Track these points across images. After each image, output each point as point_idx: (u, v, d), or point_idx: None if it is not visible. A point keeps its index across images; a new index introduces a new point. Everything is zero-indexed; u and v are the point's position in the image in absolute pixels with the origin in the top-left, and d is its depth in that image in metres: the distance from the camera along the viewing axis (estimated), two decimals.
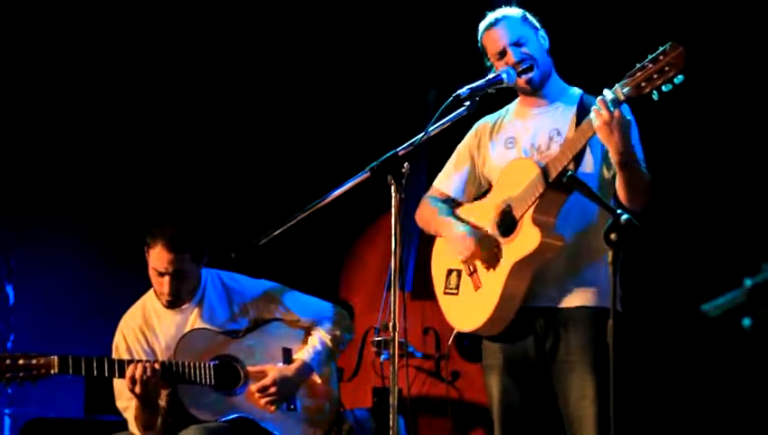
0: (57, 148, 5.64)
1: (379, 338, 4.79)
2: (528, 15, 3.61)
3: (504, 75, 3.53)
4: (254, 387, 4.01)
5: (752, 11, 4.80)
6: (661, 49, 3.16)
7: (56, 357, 3.82)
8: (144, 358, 3.98)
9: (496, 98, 3.65)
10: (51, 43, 5.60)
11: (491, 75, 3.54)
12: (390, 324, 3.25)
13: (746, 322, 2.03)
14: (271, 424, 3.98)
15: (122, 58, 5.69)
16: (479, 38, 3.64)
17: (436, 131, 3.47)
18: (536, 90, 3.60)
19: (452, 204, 3.77)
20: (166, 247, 3.93)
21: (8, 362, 3.82)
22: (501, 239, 3.52)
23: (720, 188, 4.91)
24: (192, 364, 3.92)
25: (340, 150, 5.43)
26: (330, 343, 4.13)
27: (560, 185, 3.36)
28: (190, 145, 5.75)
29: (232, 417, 3.94)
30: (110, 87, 5.69)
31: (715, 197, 4.91)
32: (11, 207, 5.58)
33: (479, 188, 3.74)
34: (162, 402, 3.95)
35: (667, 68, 3.14)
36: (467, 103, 3.45)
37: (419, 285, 4.83)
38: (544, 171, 3.41)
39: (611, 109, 3.24)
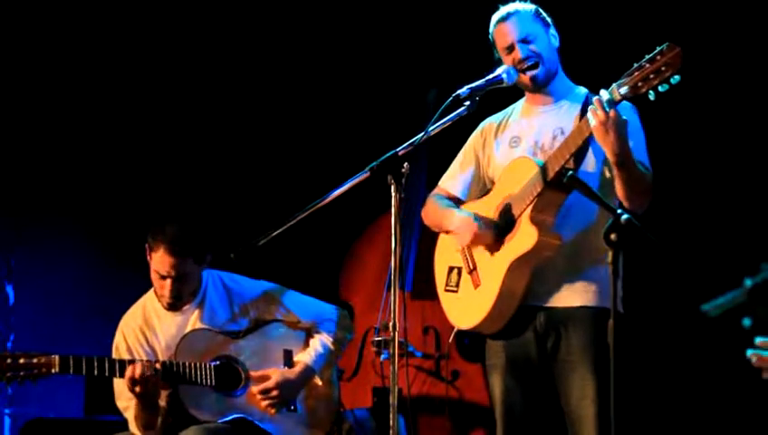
0: (57, 148, 5.64)
1: (379, 338, 4.80)
2: (541, 11, 3.61)
3: (504, 75, 3.53)
4: (255, 389, 4.01)
5: (750, 11, 4.80)
6: (658, 49, 3.17)
7: (57, 356, 3.82)
8: (144, 358, 3.97)
9: (504, 96, 3.66)
10: (51, 43, 5.60)
11: (491, 75, 3.54)
12: (390, 324, 3.25)
13: (746, 322, 2.03)
14: (271, 425, 3.98)
15: (123, 58, 5.68)
16: (490, 30, 3.64)
17: (436, 131, 3.47)
18: (540, 87, 3.60)
19: (456, 202, 3.78)
20: (168, 251, 3.92)
21: (9, 361, 3.81)
22: (500, 237, 3.53)
23: (720, 188, 4.91)
24: (193, 365, 3.92)
25: (341, 150, 5.43)
26: (332, 346, 4.13)
27: (558, 184, 3.37)
28: (190, 145, 5.75)
29: (232, 418, 3.94)
30: (109, 87, 5.69)
31: (714, 197, 4.91)
32: (11, 207, 5.57)
33: (484, 188, 3.74)
34: (162, 402, 3.95)
35: (663, 68, 3.14)
36: (467, 103, 3.45)
37: (419, 285, 4.83)
38: (543, 170, 3.41)
39: (607, 109, 3.24)
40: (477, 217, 3.58)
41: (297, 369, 4.06)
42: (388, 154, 3.31)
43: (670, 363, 4.97)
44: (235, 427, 3.93)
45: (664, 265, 4.83)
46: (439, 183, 3.85)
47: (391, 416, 3.23)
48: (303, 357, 4.09)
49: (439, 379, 4.78)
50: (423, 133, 3.42)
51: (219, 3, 5.76)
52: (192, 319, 4.05)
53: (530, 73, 3.56)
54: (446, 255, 3.76)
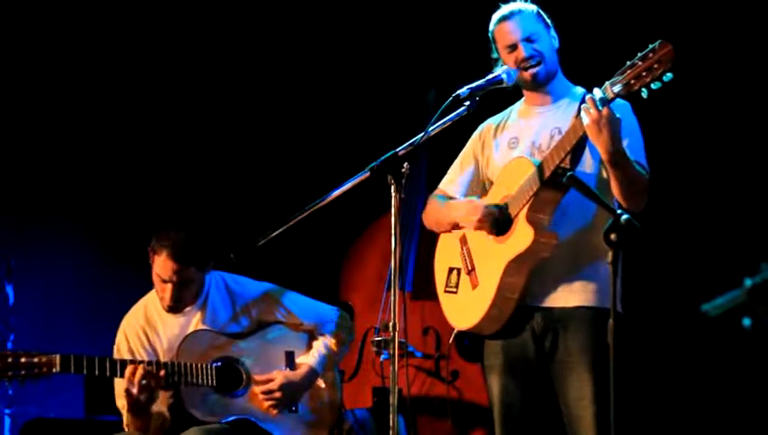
0: (57, 148, 5.64)
1: (379, 338, 4.79)
2: (541, 12, 3.62)
3: (504, 75, 3.54)
4: (258, 389, 4.00)
5: (743, 8, 4.80)
6: (650, 47, 3.17)
7: (58, 356, 3.81)
8: (146, 358, 3.97)
9: (502, 97, 3.66)
10: (51, 43, 5.60)
11: (491, 75, 3.54)
12: (390, 324, 3.25)
13: (746, 322, 2.03)
14: (272, 425, 3.98)
15: (123, 59, 5.69)
16: (491, 29, 3.64)
17: (436, 131, 3.47)
18: (539, 85, 3.60)
19: None
20: (171, 258, 3.90)
21: (10, 359, 3.80)
22: (497, 237, 3.53)
23: (719, 188, 4.91)
24: (194, 365, 3.91)
25: (340, 150, 5.43)
26: (334, 347, 4.13)
27: (554, 183, 3.37)
28: (190, 144, 5.75)
29: (233, 418, 3.94)
30: (109, 88, 5.69)
31: (714, 196, 4.91)
32: (11, 207, 5.58)
33: (483, 190, 3.74)
34: (161, 405, 3.94)
35: (656, 65, 3.15)
36: (467, 103, 3.46)
37: (419, 285, 4.83)
38: (539, 169, 3.41)
39: (599, 107, 3.25)
40: (481, 201, 3.59)
41: (301, 371, 4.06)
42: (388, 154, 3.31)
43: (670, 363, 4.97)
44: (236, 428, 3.92)
45: (663, 265, 4.83)
46: (439, 185, 3.85)
47: (391, 416, 3.23)
48: (307, 359, 4.09)
49: (439, 379, 4.78)
50: (423, 133, 3.42)
51: (220, 5, 5.76)
52: (194, 320, 4.04)
53: (531, 71, 3.57)
54: (445, 256, 3.77)
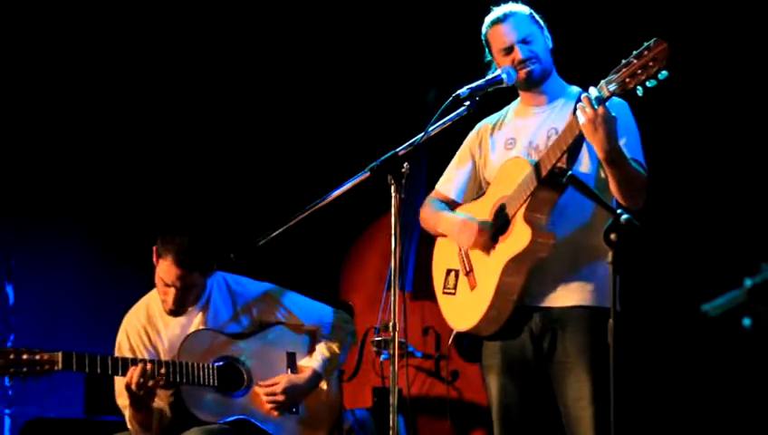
0: (57, 148, 5.64)
1: (379, 338, 4.79)
2: (534, 13, 3.62)
3: (504, 75, 3.54)
4: (262, 391, 4.00)
5: (739, 6, 4.81)
6: (645, 45, 3.18)
7: (60, 353, 3.80)
8: (147, 357, 3.97)
9: (499, 98, 3.66)
10: (51, 42, 5.60)
11: (491, 75, 3.55)
12: (390, 324, 3.25)
13: (746, 322, 2.03)
14: (272, 425, 3.98)
15: (123, 59, 5.69)
16: (484, 32, 3.64)
17: (435, 131, 3.47)
18: (534, 85, 3.60)
19: (452, 206, 3.78)
20: (176, 264, 3.88)
21: (12, 356, 3.80)
22: (495, 238, 3.53)
23: (719, 188, 4.91)
24: (195, 365, 3.91)
25: (340, 150, 5.43)
26: (337, 350, 4.13)
27: (551, 183, 3.38)
28: (190, 144, 5.75)
29: (233, 419, 3.94)
30: (109, 88, 5.69)
31: (714, 196, 4.91)
32: (11, 207, 5.57)
33: (480, 190, 3.74)
34: (162, 403, 3.94)
35: (651, 63, 3.15)
36: (467, 103, 3.46)
37: (419, 285, 4.83)
38: (536, 169, 3.41)
39: (595, 106, 3.25)
40: (473, 218, 3.59)
41: (305, 375, 4.06)
42: (388, 154, 3.32)
43: (669, 363, 4.97)
44: (237, 428, 3.92)
45: (663, 265, 4.83)
46: (436, 186, 3.85)
47: (391, 416, 3.23)
48: (311, 363, 4.09)
49: (439, 379, 4.78)
50: (423, 133, 3.42)
51: (220, 5, 5.76)
52: (196, 320, 4.04)
53: (526, 69, 3.56)
54: (443, 257, 3.76)
